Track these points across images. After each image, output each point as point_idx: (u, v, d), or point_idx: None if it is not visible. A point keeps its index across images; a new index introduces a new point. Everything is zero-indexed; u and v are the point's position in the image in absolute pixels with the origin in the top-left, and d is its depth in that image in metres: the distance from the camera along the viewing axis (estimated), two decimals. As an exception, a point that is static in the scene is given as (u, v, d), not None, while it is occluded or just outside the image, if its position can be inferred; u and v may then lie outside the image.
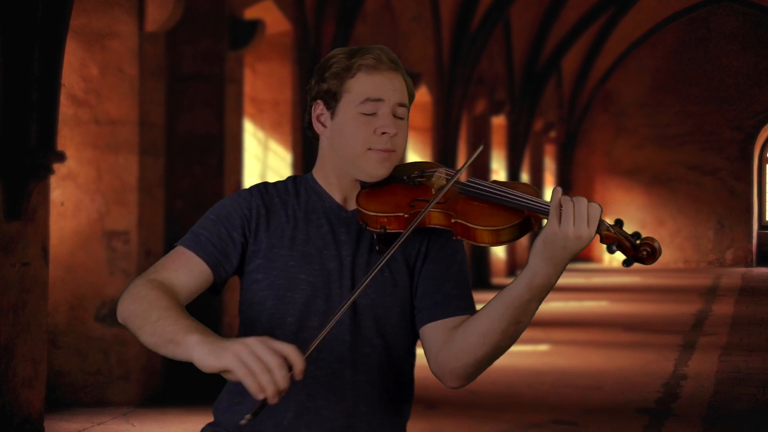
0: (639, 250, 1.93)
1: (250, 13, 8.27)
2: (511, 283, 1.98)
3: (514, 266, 18.81)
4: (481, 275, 15.99)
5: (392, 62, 2.13)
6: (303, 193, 2.19)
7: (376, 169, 2.11)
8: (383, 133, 2.09)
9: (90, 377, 6.98)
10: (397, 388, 2.16)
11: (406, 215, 2.05)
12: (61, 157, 5.79)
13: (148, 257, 7.01)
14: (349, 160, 2.12)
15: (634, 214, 22.64)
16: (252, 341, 1.78)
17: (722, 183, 22.26)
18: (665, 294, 15.93)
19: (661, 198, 22.54)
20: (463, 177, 2.15)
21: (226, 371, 1.79)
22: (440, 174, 2.13)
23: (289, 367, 1.77)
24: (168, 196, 7.49)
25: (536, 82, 18.76)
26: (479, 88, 15.94)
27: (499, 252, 17.85)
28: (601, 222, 1.93)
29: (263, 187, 2.20)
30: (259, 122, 9.53)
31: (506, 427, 6.70)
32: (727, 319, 12.50)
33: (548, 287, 1.95)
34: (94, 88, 6.97)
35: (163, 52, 7.26)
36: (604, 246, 1.96)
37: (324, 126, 2.15)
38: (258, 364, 1.75)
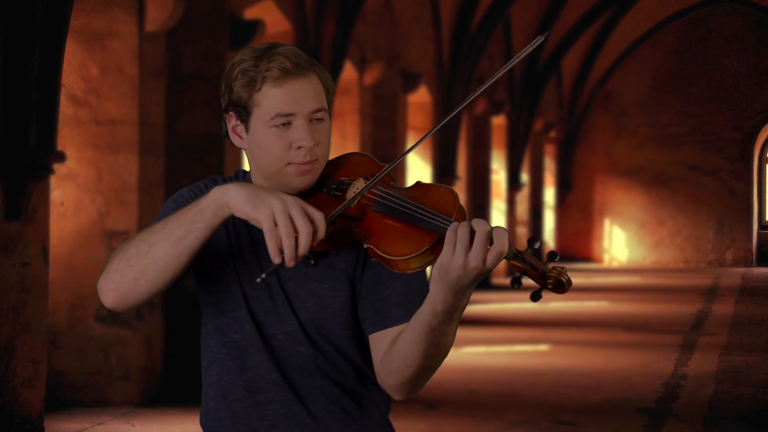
0: (546, 281, 1.77)
1: (250, 13, 8.27)
2: (420, 308, 1.90)
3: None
4: (481, 275, 15.94)
5: (299, 66, 2.00)
6: None
7: (298, 183, 2.04)
8: (299, 147, 2.01)
9: (90, 377, 6.98)
10: (362, 390, 2.11)
11: (324, 238, 1.97)
12: (61, 157, 5.79)
13: (148, 257, 7.00)
14: (270, 175, 2.06)
15: (634, 214, 22.64)
16: (290, 201, 1.84)
17: (722, 183, 22.26)
18: (665, 294, 15.93)
19: (661, 198, 22.54)
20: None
21: (254, 221, 1.84)
22: (357, 185, 2.02)
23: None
24: (168, 196, 7.48)
25: (536, 82, 18.76)
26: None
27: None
28: (509, 249, 1.77)
29: (213, 183, 2.16)
30: (259, 122, 9.52)
31: (506, 426, 6.70)
32: (727, 319, 12.50)
33: (458, 310, 1.86)
34: (94, 88, 6.97)
35: (163, 52, 7.26)
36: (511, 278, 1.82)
37: (241, 138, 2.09)
38: (288, 227, 1.80)
